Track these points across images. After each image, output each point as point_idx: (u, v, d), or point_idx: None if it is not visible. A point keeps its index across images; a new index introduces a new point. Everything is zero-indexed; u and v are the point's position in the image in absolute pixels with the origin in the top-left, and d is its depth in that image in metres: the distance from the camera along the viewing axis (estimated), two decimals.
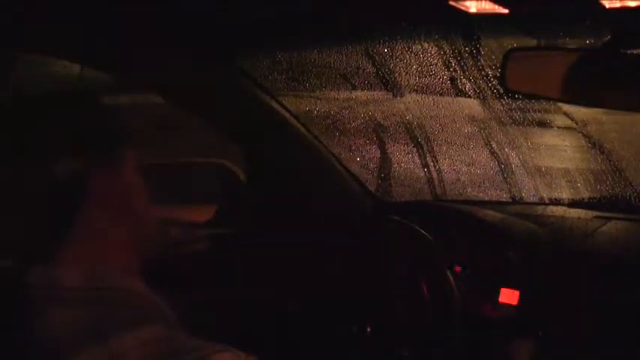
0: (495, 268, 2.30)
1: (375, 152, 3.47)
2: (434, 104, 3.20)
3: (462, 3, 1.46)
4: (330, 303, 2.19)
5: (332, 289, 2.25)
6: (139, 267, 1.34)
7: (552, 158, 3.71)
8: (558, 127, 3.94)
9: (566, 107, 3.96)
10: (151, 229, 1.41)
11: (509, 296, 2.25)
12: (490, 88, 2.98)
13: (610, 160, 3.79)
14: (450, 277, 1.86)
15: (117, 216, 1.27)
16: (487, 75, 2.88)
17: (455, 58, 2.80)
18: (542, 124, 3.72)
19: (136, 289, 1.25)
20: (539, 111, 3.48)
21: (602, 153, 4.01)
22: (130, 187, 1.31)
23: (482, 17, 1.61)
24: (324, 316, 2.17)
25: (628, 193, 3.32)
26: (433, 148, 3.46)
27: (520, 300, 2.22)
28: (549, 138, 3.88)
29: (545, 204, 2.94)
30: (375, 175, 3.45)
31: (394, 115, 3.32)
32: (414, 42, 2.66)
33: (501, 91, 2.96)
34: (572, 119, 4.10)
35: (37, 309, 1.15)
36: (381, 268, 2.23)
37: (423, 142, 3.43)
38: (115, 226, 1.27)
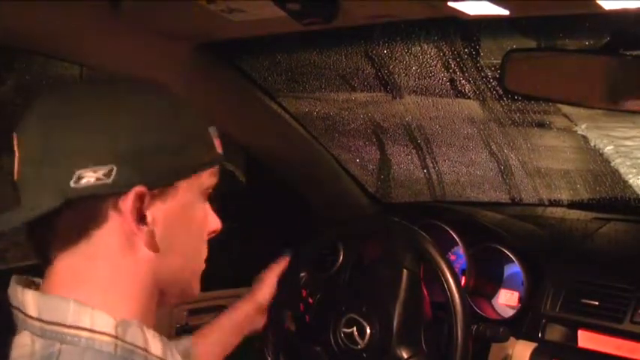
0: (495, 270, 2.31)
1: (374, 153, 3.47)
2: (433, 105, 3.20)
3: (460, 4, 1.46)
4: (329, 303, 2.19)
5: (331, 290, 2.25)
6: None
7: (552, 159, 3.71)
8: (558, 129, 3.94)
9: (565, 108, 3.96)
10: (189, 287, 1.28)
11: (509, 298, 2.26)
12: (489, 90, 2.98)
13: (609, 162, 3.79)
14: (451, 277, 1.86)
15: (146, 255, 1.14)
16: (486, 76, 2.88)
17: (454, 59, 2.80)
18: (542, 125, 3.71)
19: (153, 353, 1.12)
20: (539, 112, 3.48)
21: (602, 154, 4.01)
22: (174, 221, 1.17)
23: (481, 19, 1.61)
24: (323, 316, 2.17)
25: (627, 194, 3.32)
26: (432, 149, 3.45)
27: (520, 301, 2.23)
28: (549, 139, 3.88)
29: (544, 205, 2.94)
30: (374, 176, 3.45)
31: (393, 116, 3.32)
32: (413, 43, 2.66)
33: (501, 92, 2.96)
34: (570, 121, 4.11)
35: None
36: (380, 268, 2.23)
37: (422, 143, 3.43)
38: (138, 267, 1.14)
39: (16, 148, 1.12)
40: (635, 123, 4.70)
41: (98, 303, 1.09)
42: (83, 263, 1.10)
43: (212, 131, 1.25)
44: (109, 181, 1.06)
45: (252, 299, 2.11)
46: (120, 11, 1.68)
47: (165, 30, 1.85)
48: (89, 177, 1.05)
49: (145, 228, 1.11)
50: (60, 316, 1.06)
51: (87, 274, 1.11)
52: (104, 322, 1.07)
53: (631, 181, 3.58)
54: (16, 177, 1.12)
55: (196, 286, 1.28)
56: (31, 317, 1.07)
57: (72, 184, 1.04)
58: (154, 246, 1.13)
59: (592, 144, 4.08)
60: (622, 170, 3.61)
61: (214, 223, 1.31)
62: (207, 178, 1.23)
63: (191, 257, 1.25)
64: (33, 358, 1.05)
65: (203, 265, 1.29)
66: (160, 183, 1.13)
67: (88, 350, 1.04)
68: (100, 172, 1.05)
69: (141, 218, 1.11)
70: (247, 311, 2.09)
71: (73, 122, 1.08)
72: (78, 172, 1.05)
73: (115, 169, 1.06)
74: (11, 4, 1.52)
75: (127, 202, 1.08)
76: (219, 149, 1.25)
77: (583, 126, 4.10)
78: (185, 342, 1.92)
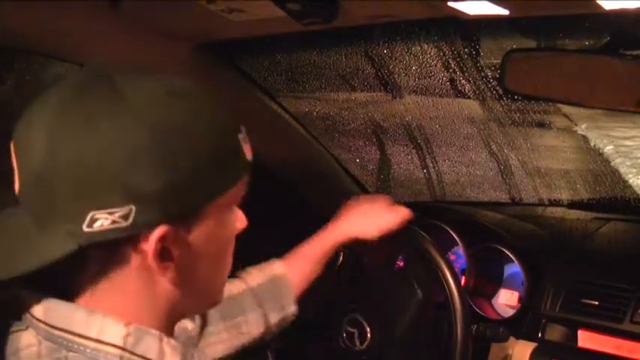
0: (495, 270, 2.31)
1: (374, 153, 3.46)
2: (433, 105, 3.20)
3: (460, 4, 1.46)
4: (329, 304, 2.19)
5: (330, 290, 2.25)
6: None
7: (552, 159, 3.71)
8: (558, 129, 3.94)
9: (565, 108, 3.96)
10: (214, 300, 1.23)
11: (509, 297, 2.26)
12: (489, 90, 2.97)
13: (609, 162, 3.79)
14: (451, 278, 1.86)
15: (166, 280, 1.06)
16: (486, 76, 2.88)
17: (454, 59, 2.80)
18: (542, 125, 3.71)
19: None
20: (539, 112, 3.48)
21: (601, 154, 4.01)
22: (201, 248, 1.07)
23: (481, 18, 1.61)
24: (322, 317, 2.17)
25: (627, 194, 3.32)
26: (432, 149, 3.45)
27: (520, 301, 2.23)
28: (549, 139, 3.87)
29: (544, 205, 2.94)
30: (374, 176, 3.45)
31: (393, 116, 3.32)
32: (413, 43, 2.66)
33: (501, 92, 2.96)
34: (570, 121, 4.10)
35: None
36: (380, 268, 2.23)
37: (422, 143, 3.42)
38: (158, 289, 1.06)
39: (14, 158, 1.01)
40: (635, 123, 4.70)
41: (114, 311, 1.03)
42: (100, 294, 1.04)
43: (241, 137, 1.12)
44: (127, 224, 0.95)
45: (343, 232, 2.04)
46: (120, 11, 1.67)
47: (165, 30, 1.85)
48: (104, 219, 0.94)
49: (170, 265, 1.03)
50: (67, 322, 1.01)
51: (104, 299, 1.04)
52: (113, 332, 1.01)
53: (631, 181, 3.57)
54: (17, 192, 1.01)
55: (222, 294, 1.23)
56: (36, 319, 1.03)
57: (85, 227, 0.94)
58: (179, 279, 1.06)
59: (592, 144, 4.08)
60: (622, 170, 3.61)
61: (241, 223, 1.23)
62: (238, 190, 1.12)
63: (218, 271, 1.18)
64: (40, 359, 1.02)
65: (229, 270, 1.22)
66: (186, 216, 1.02)
67: None
68: (117, 214, 0.94)
69: (165, 255, 1.01)
70: (335, 243, 2.03)
71: (86, 135, 0.94)
72: (91, 214, 0.94)
73: (133, 209, 0.95)
74: (11, 3, 1.52)
75: (149, 243, 0.98)
76: (248, 155, 1.13)
77: (583, 126, 4.11)
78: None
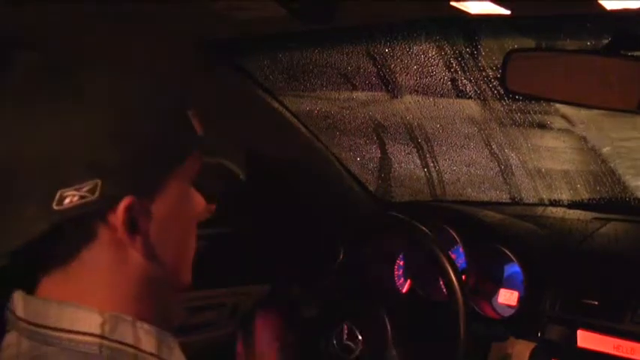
0: (495, 269, 2.31)
1: (374, 152, 3.46)
2: (434, 105, 3.20)
3: (462, 4, 1.47)
4: (330, 303, 2.20)
5: (332, 289, 2.25)
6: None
7: (552, 159, 3.71)
8: (558, 129, 3.94)
9: (564, 109, 3.96)
10: (183, 280, 1.23)
11: (508, 297, 2.26)
12: (490, 89, 2.97)
13: (608, 162, 3.79)
14: (453, 275, 1.86)
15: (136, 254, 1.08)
16: (488, 76, 2.88)
17: (455, 59, 2.79)
18: (543, 126, 3.71)
19: (144, 350, 1.07)
20: (540, 112, 3.48)
21: (600, 155, 4.01)
22: (165, 221, 1.10)
23: (483, 18, 1.61)
24: (323, 314, 2.17)
25: (627, 195, 3.32)
26: (433, 148, 3.45)
27: (519, 301, 2.23)
28: (549, 139, 3.87)
29: (544, 205, 2.94)
30: (374, 175, 3.44)
31: (394, 115, 3.32)
32: (415, 43, 2.66)
33: (502, 92, 2.96)
34: (570, 122, 4.10)
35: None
36: (381, 264, 2.24)
37: (423, 142, 3.42)
38: (128, 266, 1.08)
39: None
40: (634, 124, 4.70)
41: (87, 300, 1.04)
42: (73, 279, 1.05)
43: (191, 113, 1.17)
44: (94, 197, 0.99)
45: None
46: (122, 8, 1.68)
47: (167, 27, 1.85)
48: (72, 196, 0.97)
49: (138, 237, 1.06)
50: (43, 317, 1.03)
51: (77, 285, 1.05)
52: (88, 322, 1.03)
53: (630, 181, 3.58)
54: None
55: (189, 276, 1.23)
56: (19, 318, 1.04)
57: (55, 206, 0.97)
58: (148, 252, 1.08)
59: (591, 144, 4.08)
60: (621, 171, 3.62)
61: (205, 210, 1.24)
62: (193, 165, 1.16)
63: (183, 249, 1.20)
64: (19, 359, 1.02)
65: (193, 252, 1.24)
66: (149, 187, 1.07)
67: (73, 353, 1.01)
68: (84, 189, 0.98)
69: (133, 228, 1.04)
70: None
71: (43, 125, 0.99)
72: (59, 192, 0.97)
73: (99, 183, 0.99)
74: (10, 1, 1.52)
75: (117, 216, 1.02)
76: (199, 130, 1.17)
77: (582, 126, 4.11)
78: None
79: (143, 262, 1.09)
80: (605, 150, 4.12)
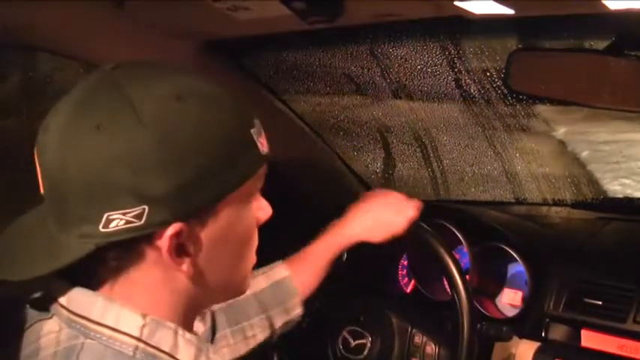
0: (499, 269, 2.31)
1: (378, 152, 3.47)
2: (438, 105, 3.20)
3: (466, 3, 1.47)
4: (334, 304, 2.20)
5: (336, 289, 2.25)
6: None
7: (554, 160, 3.72)
8: (561, 131, 3.96)
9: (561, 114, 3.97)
10: (238, 291, 1.27)
11: (512, 297, 2.26)
12: (494, 89, 2.98)
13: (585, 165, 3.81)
14: (457, 275, 1.86)
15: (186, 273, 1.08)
16: (491, 76, 2.88)
17: (459, 58, 2.80)
18: (547, 126, 3.72)
19: (180, 359, 1.08)
20: (543, 112, 3.49)
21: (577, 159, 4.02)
22: (218, 243, 1.09)
23: (486, 18, 1.61)
24: (328, 315, 2.17)
25: (629, 195, 3.32)
26: (437, 148, 3.45)
27: (523, 301, 2.23)
28: (552, 140, 3.88)
29: (548, 205, 2.94)
30: (378, 174, 3.45)
31: (398, 115, 3.32)
32: (419, 42, 2.66)
33: (505, 92, 2.96)
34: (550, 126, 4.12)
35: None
36: (385, 265, 2.23)
37: (426, 142, 3.43)
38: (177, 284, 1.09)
39: (37, 161, 1.04)
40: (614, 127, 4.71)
41: (131, 301, 1.06)
42: (120, 289, 1.06)
43: (254, 131, 1.11)
44: (141, 223, 0.98)
45: (349, 235, 1.98)
46: (124, 9, 1.68)
47: (170, 28, 1.85)
48: (119, 220, 0.97)
49: (186, 260, 1.06)
50: (86, 309, 1.04)
51: (123, 291, 1.07)
52: (129, 322, 1.04)
53: (628, 182, 3.59)
54: (42, 190, 1.04)
55: (247, 283, 1.25)
56: (60, 305, 1.06)
57: (101, 228, 0.97)
58: (195, 274, 1.09)
59: (569, 148, 4.10)
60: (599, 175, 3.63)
61: (264, 213, 1.25)
62: (254, 184, 1.14)
63: (238, 263, 1.20)
64: (58, 346, 1.05)
65: (253, 262, 1.25)
66: (200, 213, 1.05)
67: (109, 349, 1.02)
68: (130, 214, 0.97)
69: (180, 251, 1.04)
70: (340, 247, 1.98)
71: (93, 145, 0.97)
72: (106, 215, 0.97)
73: (146, 209, 0.98)
74: (15, 2, 1.52)
75: (164, 240, 1.01)
76: (263, 148, 1.14)
77: (562, 130, 4.12)
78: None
79: (190, 283, 1.10)
80: (583, 154, 4.13)
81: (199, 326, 1.47)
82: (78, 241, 0.99)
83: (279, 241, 2.45)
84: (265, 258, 2.20)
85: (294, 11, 1.57)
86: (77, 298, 1.06)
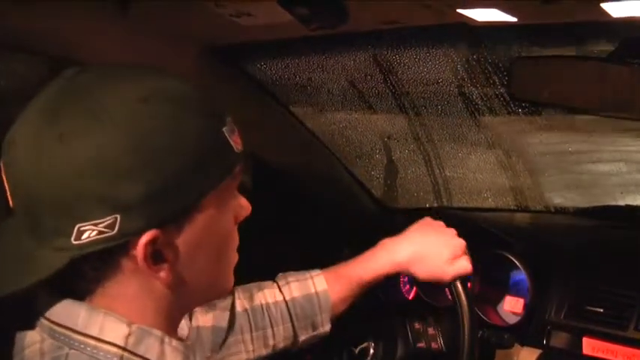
0: (500, 276, 2.31)
1: (381, 158, 3.46)
2: (441, 111, 3.19)
3: (469, 11, 1.47)
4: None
5: None
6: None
7: (558, 167, 3.71)
8: (563, 136, 3.95)
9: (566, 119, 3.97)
10: (222, 290, 1.25)
11: (514, 304, 2.26)
12: (497, 96, 2.98)
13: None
14: (458, 282, 1.86)
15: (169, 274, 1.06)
16: (494, 83, 2.88)
17: (462, 65, 2.80)
18: (549, 133, 3.72)
19: None
20: (546, 120, 3.48)
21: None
22: (197, 245, 1.08)
23: (490, 25, 1.61)
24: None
25: (634, 203, 3.32)
26: (439, 155, 3.45)
27: (525, 308, 2.23)
28: (556, 146, 3.87)
29: (550, 212, 2.94)
30: (380, 181, 3.45)
31: (400, 121, 3.32)
32: (421, 49, 2.66)
33: (508, 99, 2.96)
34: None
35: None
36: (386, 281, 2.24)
37: (429, 149, 3.43)
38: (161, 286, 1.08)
39: (3, 175, 1.02)
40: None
41: (115, 309, 1.05)
42: (101, 298, 1.05)
43: (226, 129, 1.09)
44: (114, 232, 0.96)
45: (394, 264, 1.83)
46: (128, 13, 1.68)
47: (172, 33, 1.85)
48: (90, 231, 0.95)
49: (164, 266, 1.04)
50: (70, 320, 1.03)
51: (105, 301, 1.05)
52: (114, 331, 1.03)
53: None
54: (12, 204, 1.02)
55: (230, 282, 1.23)
56: (42, 316, 1.05)
57: (73, 240, 0.95)
58: (176, 280, 1.07)
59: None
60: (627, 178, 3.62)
61: (244, 210, 1.23)
62: (231, 184, 1.12)
63: (219, 263, 1.18)
64: (42, 358, 1.03)
65: (235, 260, 1.23)
66: (175, 218, 1.03)
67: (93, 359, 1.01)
68: (102, 225, 0.95)
69: (157, 258, 1.02)
70: (383, 273, 1.83)
71: (61, 154, 0.95)
72: (77, 226, 0.95)
73: (118, 218, 0.95)
74: (18, 4, 1.52)
75: (138, 249, 0.99)
76: (237, 147, 1.11)
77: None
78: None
79: (170, 289, 1.08)
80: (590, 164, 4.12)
81: (183, 326, 1.43)
82: (53, 254, 0.97)
83: (279, 245, 2.46)
84: (264, 263, 2.22)
85: (297, 17, 1.57)
86: (60, 309, 1.05)
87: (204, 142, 1.04)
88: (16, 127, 1.00)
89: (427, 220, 1.91)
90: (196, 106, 1.05)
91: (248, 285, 1.72)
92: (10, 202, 1.02)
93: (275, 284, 1.78)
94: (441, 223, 1.89)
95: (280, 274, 1.81)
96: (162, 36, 1.85)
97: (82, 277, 1.03)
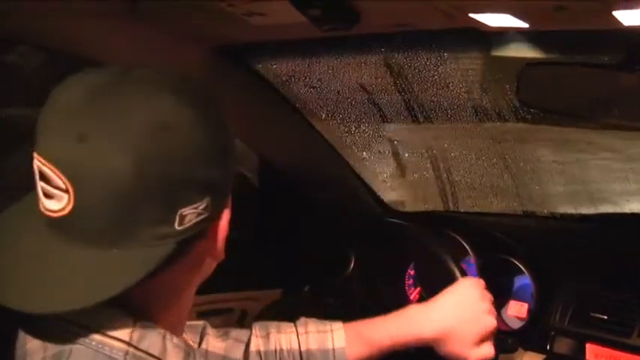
0: (505, 281, 2.31)
1: (388, 162, 3.47)
2: (449, 116, 3.20)
3: (481, 16, 1.47)
4: (340, 312, 2.20)
5: (342, 297, 2.25)
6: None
7: (563, 173, 3.72)
8: (565, 143, 3.96)
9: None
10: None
11: (518, 309, 2.26)
12: (506, 102, 2.98)
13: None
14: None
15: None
16: (503, 88, 2.88)
17: (472, 70, 2.80)
18: (557, 139, 3.72)
19: None
20: (553, 125, 3.49)
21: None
22: (226, 225, 1.13)
23: (501, 31, 1.62)
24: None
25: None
26: (447, 159, 3.46)
27: (529, 313, 2.23)
28: (563, 153, 3.88)
29: (556, 218, 2.95)
30: (387, 185, 3.45)
31: (409, 125, 3.32)
32: (432, 53, 2.67)
33: (517, 104, 2.96)
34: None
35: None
36: (392, 274, 2.24)
37: (437, 153, 3.43)
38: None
39: (68, 182, 0.94)
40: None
41: (124, 304, 1.03)
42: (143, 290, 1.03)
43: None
44: (208, 214, 1.02)
45: (423, 335, 1.67)
46: (138, 12, 1.68)
47: (183, 32, 1.86)
48: (191, 214, 0.99)
49: (217, 246, 1.11)
50: (75, 314, 1.01)
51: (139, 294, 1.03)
52: (119, 326, 1.02)
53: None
54: (66, 212, 0.95)
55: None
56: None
57: (177, 226, 0.98)
58: (218, 255, 1.14)
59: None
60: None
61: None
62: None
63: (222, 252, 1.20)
64: (46, 352, 1.03)
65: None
66: (228, 197, 1.11)
67: (98, 355, 1.00)
68: (200, 207, 1.00)
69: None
70: (408, 342, 1.69)
71: (162, 154, 0.95)
72: (180, 212, 0.98)
73: (209, 199, 1.01)
74: (28, 3, 1.52)
75: (222, 229, 1.09)
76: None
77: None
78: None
79: (209, 266, 1.16)
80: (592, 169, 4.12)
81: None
82: (153, 248, 0.98)
83: (283, 245, 2.47)
84: (274, 264, 2.22)
85: (309, 18, 1.57)
86: None
87: (233, 137, 1.14)
88: (83, 123, 0.95)
89: (467, 284, 1.74)
90: (218, 104, 1.11)
91: (266, 323, 1.69)
92: (67, 209, 0.96)
93: (294, 329, 1.72)
94: (478, 288, 1.71)
95: (302, 318, 1.73)
96: (173, 35, 1.86)
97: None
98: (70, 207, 0.95)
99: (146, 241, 0.97)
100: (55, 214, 0.97)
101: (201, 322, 1.36)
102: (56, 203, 0.96)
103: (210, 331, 1.59)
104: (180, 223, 0.98)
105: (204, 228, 1.04)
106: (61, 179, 0.94)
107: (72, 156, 0.94)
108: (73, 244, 0.98)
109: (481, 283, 1.72)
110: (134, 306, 1.05)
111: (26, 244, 1.03)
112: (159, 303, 1.09)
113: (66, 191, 0.94)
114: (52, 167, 0.94)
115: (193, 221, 1.00)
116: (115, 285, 0.97)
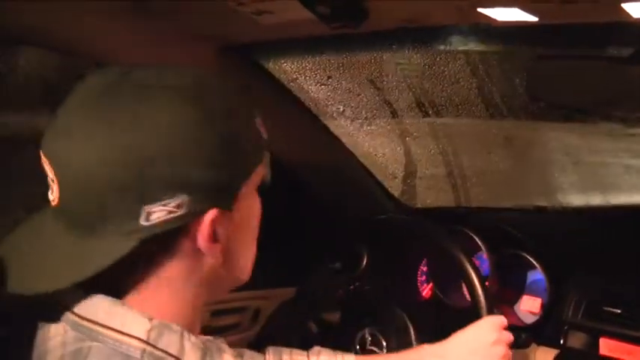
0: (518, 276, 2.31)
1: (400, 158, 3.47)
2: (460, 111, 3.19)
3: (489, 10, 1.47)
4: (353, 308, 2.20)
5: (355, 294, 2.25)
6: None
7: (576, 166, 3.70)
8: (580, 136, 3.94)
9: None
10: (243, 278, 1.26)
11: (531, 304, 2.25)
12: (516, 96, 2.97)
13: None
14: (477, 282, 1.85)
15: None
16: (514, 82, 2.88)
17: (483, 65, 2.80)
18: (569, 132, 3.71)
19: None
20: (560, 119, 3.47)
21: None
22: (240, 227, 1.16)
23: (510, 25, 1.61)
24: (346, 319, 2.18)
25: None
26: (458, 154, 3.45)
27: (542, 308, 2.22)
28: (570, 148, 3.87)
29: (569, 213, 2.94)
30: (399, 180, 3.45)
31: (420, 121, 3.32)
32: (442, 48, 2.66)
33: (527, 98, 2.96)
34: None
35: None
36: (404, 270, 2.24)
37: (448, 148, 3.43)
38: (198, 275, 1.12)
39: (50, 170, 1.02)
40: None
41: (139, 303, 1.06)
42: (135, 286, 1.07)
43: (257, 120, 1.18)
44: (182, 212, 1.01)
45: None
46: (147, 11, 1.68)
47: (192, 30, 1.86)
48: (159, 211, 0.99)
49: (217, 246, 1.09)
50: (92, 312, 1.04)
51: (134, 290, 1.08)
52: (136, 325, 1.04)
53: None
54: (55, 202, 1.03)
55: (250, 272, 1.26)
56: (67, 309, 1.06)
57: (142, 221, 0.99)
58: (224, 259, 1.12)
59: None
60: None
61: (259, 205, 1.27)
62: (263, 167, 1.19)
63: (251, 250, 1.23)
64: (64, 348, 1.04)
65: (255, 251, 1.26)
66: (230, 198, 1.09)
67: (116, 353, 1.02)
68: (171, 205, 0.99)
69: (214, 237, 1.08)
70: None
71: (128, 147, 0.97)
72: (146, 209, 0.98)
73: (186, 198, 1.00)
74: (38, 2, 1.53)
75: (203, 227, 1.05)
76: (265, 135, 1.20)
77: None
78: None
79: (215, 269, 1.13)
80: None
81: None
82: (118, 240, 0.99)
83: (294, 243, 2.47)
84: (287, 262, 2.22)
85: (318, 16, 1.57)
86: (83, 301, 1.06)
87: (249, 123, 1.15)
88: (67, 119, 1.02)
89: (486, 327, 1.68)
90: (239, 99, 1.14)
91: (280, 348, 1.67)
92: (55, 197, 1.03)
93: (306, 357, 1.70)
94: (497, 331, 1.66)
95: (316, 347, 1.68)
96: (182, 34, 1.86)
97: (139, 263, 1.05)
98: (57, 197, 1.02)
99: (113, 234, 0.99)
100: (52, 204, 1.04)
101: (218, 339, 1.35)
102: (51, 194, 1.03)
103: (226, 348, 1.58)
104: (147, 219, 0.98)
105: (183, 225, 1.03)
106: (51, 172, 1.01)
107: (58, 150, 1.00)
108: (64, 232, 1.03)
109: (502, 322, 1.68)
110: (147, 305, 1.07)
111: (36, 233, 1.09)
112: (166, 300, 1.09)
113: (55, 183, 1.01)
114: (46, 160, 1.01)
115: (162, 218, 0.99)
116: (80, 272, 1.00)
